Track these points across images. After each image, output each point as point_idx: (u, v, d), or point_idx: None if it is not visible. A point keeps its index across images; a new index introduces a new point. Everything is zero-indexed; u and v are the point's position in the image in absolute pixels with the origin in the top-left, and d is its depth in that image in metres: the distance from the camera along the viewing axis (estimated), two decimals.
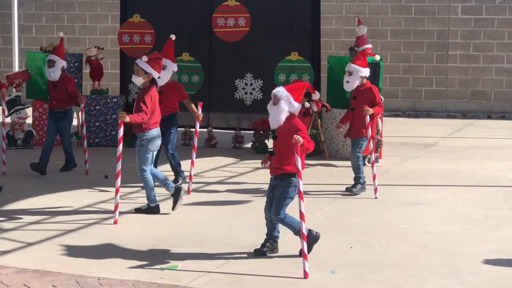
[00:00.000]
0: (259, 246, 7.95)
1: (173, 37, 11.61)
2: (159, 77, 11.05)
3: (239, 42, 15.22)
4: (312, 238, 7.85)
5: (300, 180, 7.39)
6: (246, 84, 15.32)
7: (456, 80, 21.73)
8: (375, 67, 14.14)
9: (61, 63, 12.27)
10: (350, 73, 11.19)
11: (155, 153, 9.85)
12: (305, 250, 7.31)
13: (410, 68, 21.89)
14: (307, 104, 13.47)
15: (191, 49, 15.56)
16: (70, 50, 19.10)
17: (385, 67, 19.34)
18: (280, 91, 7.68)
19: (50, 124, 12.41)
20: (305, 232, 7.43)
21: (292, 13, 15.03)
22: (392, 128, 17.94)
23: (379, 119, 13.38)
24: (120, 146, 9.26)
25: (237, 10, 15.14)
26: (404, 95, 22.02)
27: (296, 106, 7.68)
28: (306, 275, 7.19)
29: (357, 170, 11.02)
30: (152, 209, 9.76)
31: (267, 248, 7.92)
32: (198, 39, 15.54)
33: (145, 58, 9.59)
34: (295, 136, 7.38)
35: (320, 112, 14.00)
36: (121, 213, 9.71)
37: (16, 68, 21.71)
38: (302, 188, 7.40)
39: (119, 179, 9.26)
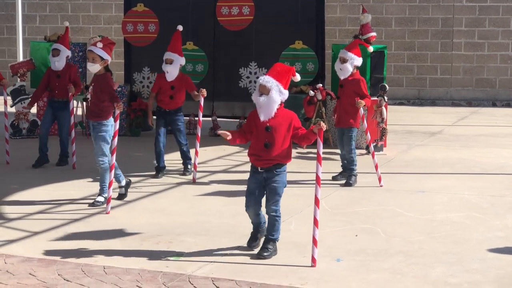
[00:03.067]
0: (258, 250, 7.59)
1: (180, 28, 11.49)
2: (167, 72, 11.11)
3: (243, 31, 15.20)
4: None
5: (320, 166, 7.35)
6: (250, 72, 15.30)
7: (461, 68, 21.69)
8: (379, 55, 14.14)
9: (66, 52, 12.22)
10: (345, 60, 10.83)
11: None
12: (316, 237, 7.29)
13: (414, 56, 21.85)
14: (311, 93, 13.46)
15: (195, 38, 15.55)
16: (74, 39, 19.12)
17: (389, 55, 19.30)
18: (269, 81, 7.33)
19: (48, 113, 12.20)
20: (317, 217, 7.37)
21: (296, 1, 15.00)
22: (397, 116, 17.91)
23: (383, 107, 13.35)
24: (116, 140, 9.27)
25: None
26: (408, 83, 21.99)
27: (286, 94, 7.42)
28: (314, 262, 7.19)
29: (351, 162, 10.92)
30: (126, 186, 9.87)
31: (270, 250, 7.53)
32: (203, 28, 15.53)
33: (100, 44, 9.46)
34: (320, 122, 7.29)
35: (324, 101, 13.99)
36: (126, 202, 9.74)
37: (21, 58, 21.72)
38: (320, 174, 7.39)
39: (112, 172, 9.27)
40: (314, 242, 7.27)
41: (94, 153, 9.58)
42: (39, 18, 23.33)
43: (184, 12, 15.52)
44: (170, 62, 11.18)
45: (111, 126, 9.46)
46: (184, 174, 11.37)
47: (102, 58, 9.48)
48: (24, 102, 14.78)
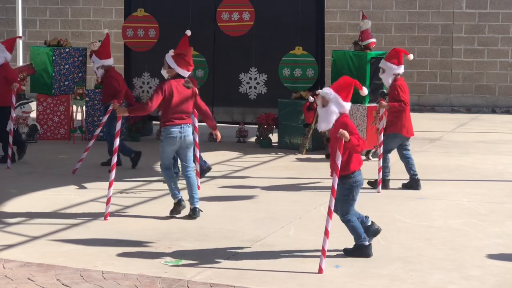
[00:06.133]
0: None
1: (188, 32, 11.41)
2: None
3: (243, 36, 15.21)
4: (373, 231, 7.87)
5: (337, 178, 7.40)
6: (250, 78, 15.31)
7: (461, 75, 21.70)
8: (379, 62, 14.12)
9: (98, 63, 12.53)
10: (383, 70, 11.08)
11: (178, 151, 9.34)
12: (326, 247, 7.33)
13: (414, 63, 21.82)
14: (311, 99, 13.47)
15: (195, 44, 15.49)
16: (74, 44, 19.13)
17: None
18: (328, 93, 7.56)
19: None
20: (329, 228, 7.42)
21: (297, 7, 15.01)
22: None
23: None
24: (117, 140, 9.25)
25: (241, 4, 15.12)
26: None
27: (346, 106, 7.56)
28: (320, 271, 7.22)
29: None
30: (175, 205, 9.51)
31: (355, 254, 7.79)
32: (203, 33, 15.52)
33: (171, 52, 9.35)
34: (340, 130, 7.35)
35: None
36: (126, 207, 9.74)
37: (21, 63, 21.72)
38: (336, 184, 7.42)
39: (113, 172, 9.25)
40: (323, 252, 7.31)
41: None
42: (39, 22, 23.35)
43: (184, 17, 15.52)
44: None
45: (165, 137, 9.20)
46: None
47: (169, 66, 9.29)
48: (23, 107, 14.77)
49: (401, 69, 11.06)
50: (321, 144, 13.78)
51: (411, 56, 11.63)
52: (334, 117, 7.53)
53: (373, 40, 14.18)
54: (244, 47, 15.37)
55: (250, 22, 15.12)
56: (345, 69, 14.08)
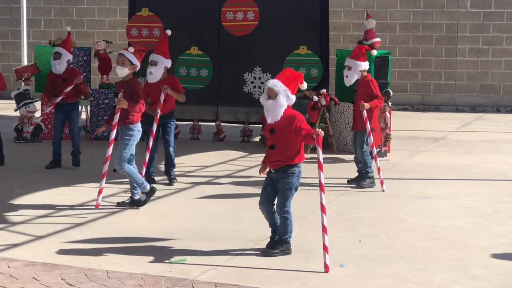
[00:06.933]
0: (265, 246, 7.78)
1: (168, 32, 11.39)
2: (151, 73, 10.93)
3: (248, 36, 15.22)
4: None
5: (321, 173, 7.41)
6: (254, 78, 15.31)
7: (465, 74, 21.69)
8: (383, 61, 14.13)
9: (67, 57, 12.23)
10: (350, 68, 11.23)
11: None
12: (326, 243, 7.31)
13: (418, 62, 21.86)
14: (315, 98, 13.48)
15: (200, 43, 15.56)
16: (79, 44, 19.14)
17: (393, 61, 19.30)
18: (277, 85, 7.51)
19: (59, 118, 12.31)
20: (325, 224, 7.40)
21: (301, 6, 15.02)
22: (401, 122, 17.91)
23: (387, 113, 13.35)
24: (114, 132, 9.35)
25: (246, 4, 15.14)
26: (412, 89, 21.99)
27: (293, 98, 7.59)
28: (327, 269, 7.21)
29: (364, 164, 11.05)
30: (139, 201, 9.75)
31: (278, 248, 7.70)
32: (207, 32, 15.55)
33: (131, 49, 9.54)
34: (317, 130, 7.37)
35: (328, 106, 14.00)
36: (130, 206, 9.73)
37: (25, 62, 21.78)
38: (323, 180, 7.43)
39: (107, 164, 9.31)
40: (325, 249, 7.27)
41: (116, 157, 9.54)
42: (43, 22, 23.38)
43: (189, 17, 15.54)
44: (154, 64, 11.04)
45: (138, 131, 9.54)
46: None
47: (131, 63, 9.50)
48: (28, 106, 14.80)
49: (367, 65, 11.28)
50: (325, 143, 13.76)
51: (374, 52, 11.91)
52: (282, 110, 7.53)
53: (378, 39, 14.16)
54: (248, 46, 15.38)
55: (254, 21, 15.13)
56: None
